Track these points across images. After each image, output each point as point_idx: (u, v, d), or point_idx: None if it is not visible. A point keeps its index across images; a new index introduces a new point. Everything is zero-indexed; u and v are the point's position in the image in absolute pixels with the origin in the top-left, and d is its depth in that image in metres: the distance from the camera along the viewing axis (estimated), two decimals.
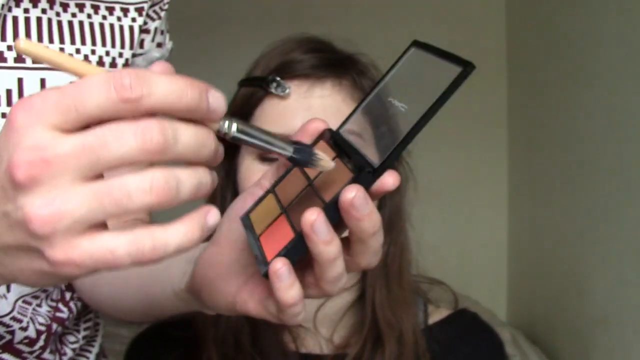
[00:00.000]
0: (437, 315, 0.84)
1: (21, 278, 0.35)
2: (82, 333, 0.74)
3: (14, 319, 0.62)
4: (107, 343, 0.85)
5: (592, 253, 1.55)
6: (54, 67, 0.35)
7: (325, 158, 0.41)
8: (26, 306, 0.64)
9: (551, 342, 1.76)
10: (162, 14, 0.70)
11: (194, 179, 0.34)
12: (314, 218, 0.37)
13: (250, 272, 0.46)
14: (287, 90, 0.73)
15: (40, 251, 0.33)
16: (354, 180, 0.39)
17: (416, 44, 0.44)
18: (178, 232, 0.33)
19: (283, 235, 0.42)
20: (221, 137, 0.37)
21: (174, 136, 0.33)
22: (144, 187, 0.32)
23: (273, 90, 0.73)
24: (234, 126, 0.37)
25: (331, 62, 0.75)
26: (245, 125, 0.38)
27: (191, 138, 0.33)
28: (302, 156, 0.40)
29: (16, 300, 0.63)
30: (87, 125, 0.32)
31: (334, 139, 0.45)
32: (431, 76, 0.40)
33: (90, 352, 0.75)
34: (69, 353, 0.71)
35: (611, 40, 1.46)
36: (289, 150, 0.40)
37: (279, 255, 0.40)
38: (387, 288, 0.78)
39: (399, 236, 0.80)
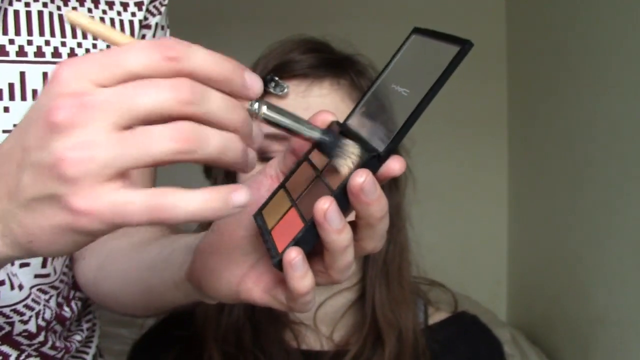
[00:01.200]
0: (437, 316, 0.85)
1: (39, 238, 0.36)
2: (85, 333, 0.74)
3: (26, 306, 0.62)
4: (107, 343, 0.85)
5: (592, 253, 1.55)
6: (100, 38, 0.37)
7: (351, 145, 0.40)
8: (40, 294, 0.64)
9: (551, 342, 1.76)
10: (163, 9, 0.70)
11: (221, 138, 0.35)
12: (326, 206, 0.37)
13: (253, 260, 0.46)
14: (286, 90, 0.73)
15: (64, 200, 0.33)
16: (360, 166, 0.39)
17: (416, 30, 0.44)
18: (198, 197, 0.34)
19: (294, 226, 0.42)
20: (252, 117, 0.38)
21: (204, 94, 0.34)
22: (170, 133, 0.33)
23: (271, 90, 0.73)
24: (264, 106, 0.38)
25: (329, 62, 0.76)
26: (275, 106, 0.39)
27: (221, 100, 0.35)
28: (329, 141, 0.40)
29: (31, 287, 0.63)
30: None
31: (343, 132, 0.44)
32: (431, 59, 0.40)
33: (87, 353, 0.75)
34: (73, 352, 0.72)
35: (611, 40, 1.46)
36: (316, 133, 0.40)
37: (290, 245, 0.40)
38: (387, 287, 0.78)
39: (398, 236, 0.80)
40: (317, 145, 0.41)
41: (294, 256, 0.39)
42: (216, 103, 0.35)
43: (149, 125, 0.33)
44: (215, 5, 2.04)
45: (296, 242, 0.40)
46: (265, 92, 0.74)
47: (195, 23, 1.87)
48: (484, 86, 2.02)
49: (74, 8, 0.62)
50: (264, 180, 0.47)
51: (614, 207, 1.45)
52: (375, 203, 0.38)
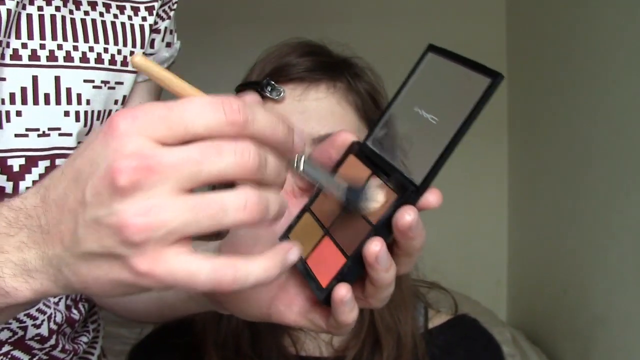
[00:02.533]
0: (437, 319, 0.84)
1: (93, 287, 0.35)
2: (92, 334, 0.75)
3: (39, 310, 0.62)
4: (107, 343, 0.85)
5: (592, 253, 1.55)
6: (160, 85, 0.37)
7: (374, 199, 0.41)
8: (50, 297, 0.63)
9: (551, 342, 1.76)
10: (172, 13, 0.70)
11: (280, 200, 0.35)
12: (377, 249, 0.39)
13: (281, 279, 0.45)
14: (282, 94, 0.73)
15: (125, 259, 0.33)
16: (400, 201, 0.40)
17: (432, 48, 0.44)
18: (259, 267, 0.34)
19: (333, 258, 0.42)
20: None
21: (266, 159, 0.34)
22: (240, 204, 0.33)
23: (268, 94, 0.73)
24: (302, 164, 0.39)
25: (326, 65, 0.76)
26: (311, 164, 0.40)
27: (276, 163, 0.35)
28: (354, 198, 0.41)
29: None
30: (185, 142, 0.33)
31: (364, 152, 0.44)
32: (458, 86, 0.40)
33: (93, 354, 0.76)
34: (81, 353, 0.72)
35: (612, 41, 1.45)
36: (342, 193, 0.41)
37: (336, 280, 0.40)
38: None
39: None
40: (344, 203, 0.42)
41: (345, 293, 0.40)
42: (272, 167, 0.35)
43: (217, 193, 0.33)
44: (215, 6, 2.03)
45: (342, 277, 0.40)
46: (262, 97, 0.74)
47: (195, 24, 1.87)
48: None
49: (86, 12, 0.62)
50: None
51: (614, 207, 1.44)
52: (419, 237, 0.39)
